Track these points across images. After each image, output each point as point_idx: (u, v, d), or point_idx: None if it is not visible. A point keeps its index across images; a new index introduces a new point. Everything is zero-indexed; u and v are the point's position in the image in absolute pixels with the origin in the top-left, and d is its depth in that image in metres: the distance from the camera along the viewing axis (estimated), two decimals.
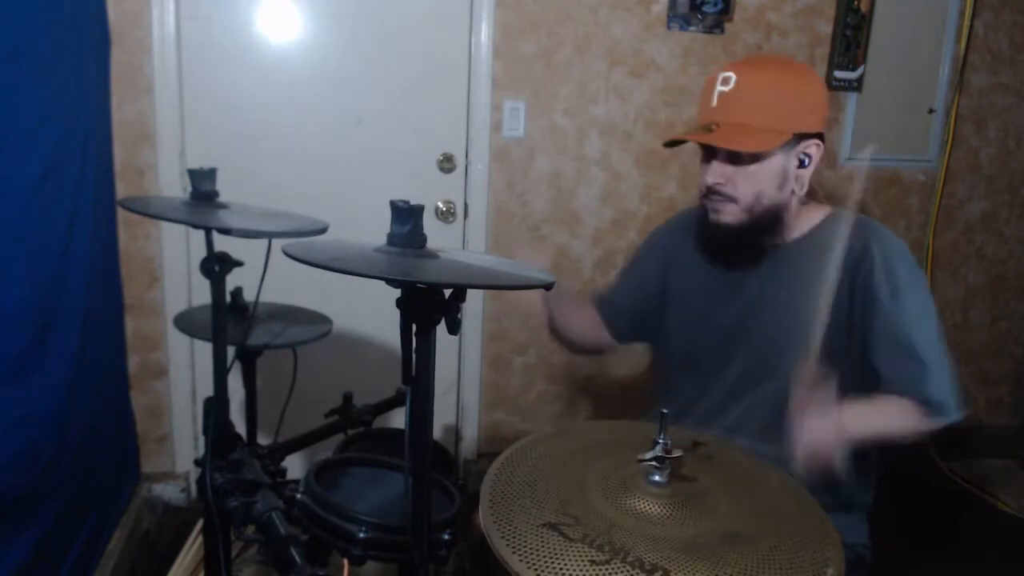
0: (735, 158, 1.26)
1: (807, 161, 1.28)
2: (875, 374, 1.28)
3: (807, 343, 1.28)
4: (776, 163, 1.26)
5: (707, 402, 1.39)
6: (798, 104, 1.26)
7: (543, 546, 0.73)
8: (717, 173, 1.28)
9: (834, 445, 1.09)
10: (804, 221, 1.34)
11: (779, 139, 1.24)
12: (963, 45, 2.77)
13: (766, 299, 1.34)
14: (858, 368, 1.28)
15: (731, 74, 1.25)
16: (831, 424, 1.10)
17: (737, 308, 1.37)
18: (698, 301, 1.44)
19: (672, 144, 1.34)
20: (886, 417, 1.25)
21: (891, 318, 1.26)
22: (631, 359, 2.47)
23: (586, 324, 1.57)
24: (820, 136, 1.29)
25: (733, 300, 1.38)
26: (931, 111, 2.82)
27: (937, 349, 1.27)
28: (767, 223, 1.30)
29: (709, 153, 1.30)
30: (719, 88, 1.26)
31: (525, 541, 0.74)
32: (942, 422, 1.24)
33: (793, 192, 1.29)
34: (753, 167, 1.26)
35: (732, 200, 1.28)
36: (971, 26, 2.76)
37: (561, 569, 0.70)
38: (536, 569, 0.70)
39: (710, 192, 1.30)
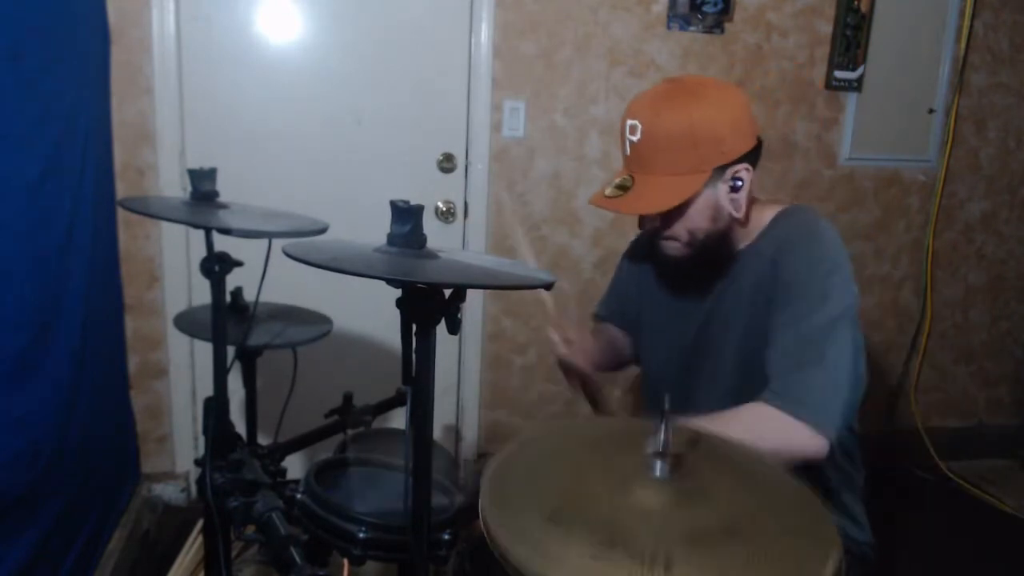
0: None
1: (739, 184, 1.22)
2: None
3: (738, 351, 1.27)
4: (703, 200, 1.22)
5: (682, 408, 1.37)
6: (710, 138, 1.18)
7: (545, 540, 0.73)
8: (650, 220, 1.27)
9: None
10: (754, 227, 1.29)
11: (698, 181, 1.20)
12: (963, 45, 2.77)
13: (720, 313, 1.32)
14: None
15: (636, 123, 1.20)
16: None
17: (695, 326, 1.36)
18: (662, 323, 1.44)
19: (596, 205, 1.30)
20: (740, 431, 1.08)
21: (776, 316, 1.18)
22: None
23: (612, 341, 1.60)
24: (753, 151, 1.22)
25: (692, 318, 1.37)
26: (931, 111, 2.82)
27: (811, 360, 1.14)
28: (713, 250, 1.27)
29: None
30: (629, 138, 1.21)
31: (527, 535, 0.74)
32: (816, 441, 1.11)
33: (732, 216, 1.25)
34: (681, 210, 1.22)
35: (671, 239, 1.27)
36: (971, 26, 2.76)
37: (562, 564, 0.70)
38: (537, 564, 0.70)
39: (654, 231, 1.29)
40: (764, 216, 1.29)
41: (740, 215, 1.25)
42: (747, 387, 1.24)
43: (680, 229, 1.25)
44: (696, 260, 1.29)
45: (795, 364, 1.14)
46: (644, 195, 1.21)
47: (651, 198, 1.21)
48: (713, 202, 1.23)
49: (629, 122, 1.21)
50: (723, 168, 1.20)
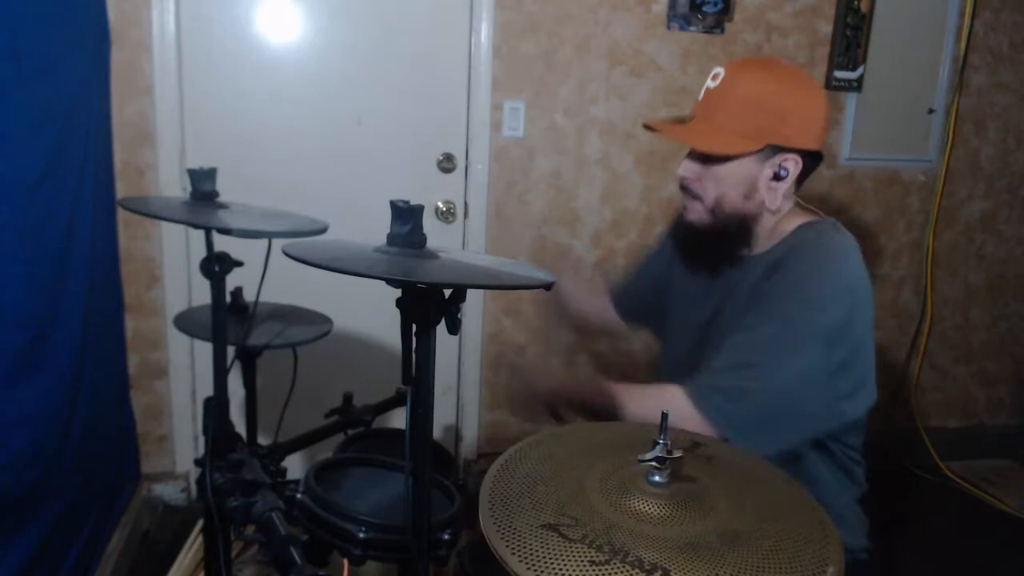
0: (704, 156, 1.24)
1: (783, 174, 1.22)
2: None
3: None
4: (745, 170, 1.22)
5: None
6: (775, 113, 1.20)
7: (542, 547, 0.73)
8: (687, 168, 1.26)
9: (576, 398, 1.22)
10: (779, 232, 1.28)
11: (749, 146, 1.20)
12: (963, 45, 2.77)
13: (728, 311, 1.30)
14: None
15: (721, 71, 1.23)
16: (596, 387, 1.16)
17: (705, 314, 1.35)
18: (679, 304, 1.44)
19: (648, 128, 1.32)
20: (653, 405, 1.11)
21: (757, 305, 1.20)
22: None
23: (596, 307, 1.64)
24: (813, 153, 1.23)
25: (703, 306, 1.36)
26: (931, 111, 2.82)
27: (761, 362, 1.15)
28: (731, 230, 1.26)
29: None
30: (708, 83, 1.24)
31: (524, 542, 0.74)
32: (706, 431, 1.13)
33: (764, 204, 1.24)
34: (720, 169, 1.22)
35: (698, 199, 1.26)
36: (971, 26, 2.76)
37: (560, 570, 0.70)
38: (535, 570, 0.70)
39: (681, 187, 1.29)
40: (790, 225, 1.28)
41: (774, 207, 1.25)
42: None
43: (711, 190, 1.24)
44: (712, 236, 1.27)
45: (728, 363, 1.17)
46: (694, 132, 1.23)
47: (698, 136, 1.22)
48: (752, 179, 1.23)
49: (716, 70, 1.24)
50: (775, 150, 1.21)
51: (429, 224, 0.99)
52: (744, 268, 1.30)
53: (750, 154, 1.21)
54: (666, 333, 1.51)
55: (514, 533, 0.76)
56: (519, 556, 0.72)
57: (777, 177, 1.22)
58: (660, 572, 0.70)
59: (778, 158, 1.22)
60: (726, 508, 0.81)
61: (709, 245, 1.30)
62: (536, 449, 0.94)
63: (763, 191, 1.23)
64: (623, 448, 0.88)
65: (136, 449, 2.43)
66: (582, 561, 0.71)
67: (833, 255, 1.20)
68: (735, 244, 1.29)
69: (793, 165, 1.22)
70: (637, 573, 0.70)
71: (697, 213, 1.27)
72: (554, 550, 0.73)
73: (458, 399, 2.67)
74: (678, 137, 1.26)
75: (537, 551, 0.73)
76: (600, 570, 0.70)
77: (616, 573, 0.70)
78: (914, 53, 2.76)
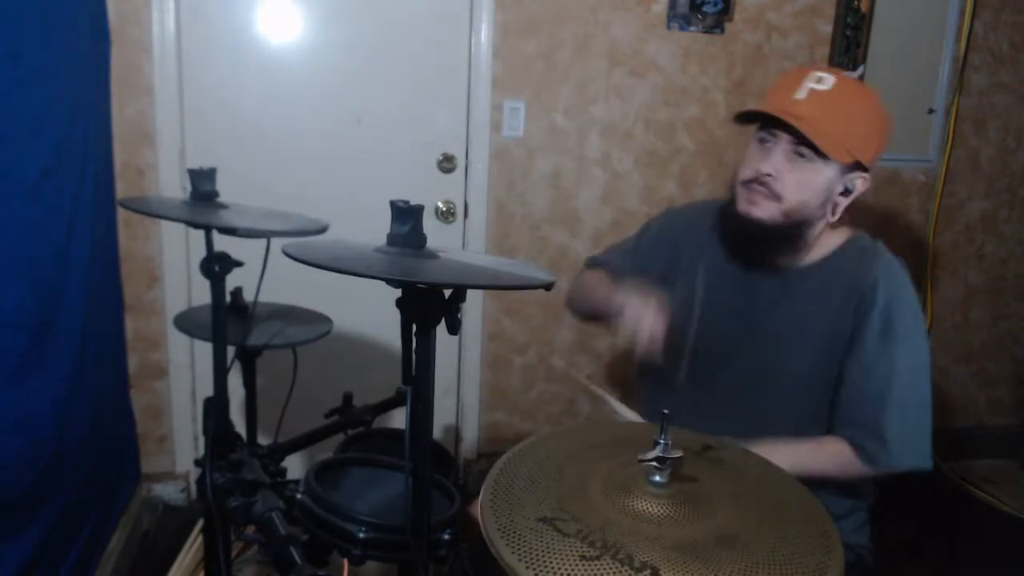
0: (798, 156, 1.22)
1: (851, 190, 1.26)
2: (834, 409, 1.27)
3: (802, 369, 1.28)
4: (828, 179, 1.23)
5: (698, 405, 1.37)
6: (873, 135, 1.25)
7: (537, 540, 0.74)
8: (776, 164, 1.22)
9: None
10: (822, 244, 1.31)
11: (846, 157, 1.22)
12: (963, 45, 2.77)
13: (771, 319, 1.31)
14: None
15: (830, 76, 1.23)
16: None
17: (740, 329, 1.34)
18: (708, 314, 1.40)
19: (747, 119, 1.27)
20: (813, 460, 1.23)
21: (871, 359, 1.23)
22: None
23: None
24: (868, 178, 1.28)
25: (735, 322, 1.35)
26: (931, 111, 2.82)
27: (913, 403, 1.22)
28: (793, 234, 1.26)
29: (769, 141, 1.25)
30: (811, 85, 1.22)
31: (520, 534, 0.74)
32: (886, 470, 1.22)
33: (827, 215, 1.27)
34: (809, 174, 1.22)
35: (775, 198, 1.23)
36: (971, 26, 2.76)
37: (551, 562, 0.71)
38: (526, 562, 0.71)
39: (754, 181, 1.25)
40: (831, 239, 1.31)
41: (833, 220, 1.28)
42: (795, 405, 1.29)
43: (795, 192, 1.23)
44: (775, 234, 1.26)
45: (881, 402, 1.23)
46: (810, 126, 1.20)
47: (823, 137, 1.19)
48: (831, 188, 1.25)
49: (818, 74, 1.23)
50: (854, 166, 1.24)
51: (429, 224, 0.99)
52: (789, 280, 1.30)
53: (840, 166, 1.23)
54: (690, 341, 1.44)
55: (511, 526, 0.76)
56: (512, 548, 0.73)
57: (846, 192, 1.25)
58: (649, 571, 0.70)
59: (854, 174, 1.25)
60: (730, 512, 0.81)
61: (766, 244, 1.29)
62: (540, 447, 0.94)
63: (832, 202, 1.26)
64: (629, 447, 0.88)
65: (136, 449, 2.43)
66: (573, 556, 0.71)
67: (906, 277, 1.29)
68: (790, 249, 1.29)
69: (861, 183, 1.25)
70: (626, 570, 0.70)
71: (767, 211, 1.25)
72: (548, 543, 0.73)
73: (458, 399, 2.67)
74: (806, 129, 1.20)
75: (531, 543, 0.73)
76: (589, 565, 0.70)
77: (605, 569, 0.70)
78: (914, 53, 2.76)
